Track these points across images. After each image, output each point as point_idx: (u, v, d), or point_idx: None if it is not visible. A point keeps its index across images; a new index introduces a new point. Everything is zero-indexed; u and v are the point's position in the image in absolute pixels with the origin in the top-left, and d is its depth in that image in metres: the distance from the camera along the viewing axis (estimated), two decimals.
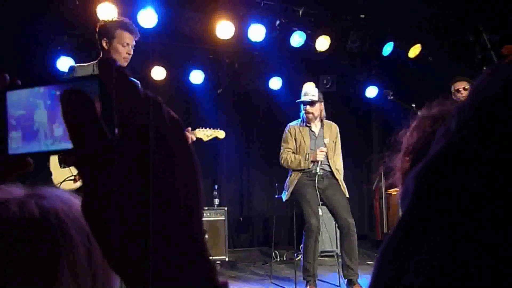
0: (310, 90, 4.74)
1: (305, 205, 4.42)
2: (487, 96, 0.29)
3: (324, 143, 4.57)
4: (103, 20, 3.43)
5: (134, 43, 3.30)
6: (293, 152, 4.66)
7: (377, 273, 0.33)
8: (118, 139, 0.37)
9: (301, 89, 5.08)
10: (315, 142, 4.60)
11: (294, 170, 4.61)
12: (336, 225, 4.60)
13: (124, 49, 3.21)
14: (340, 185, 4.54)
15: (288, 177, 4.70)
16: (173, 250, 0.36)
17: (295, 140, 4.68)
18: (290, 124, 4.82)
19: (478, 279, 0.26)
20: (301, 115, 4.77)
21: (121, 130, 0.37)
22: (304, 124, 4.70)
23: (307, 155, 4.53)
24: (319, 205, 4.52)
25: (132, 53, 3.27)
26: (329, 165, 4.58)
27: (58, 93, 0.42)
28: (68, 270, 0.54)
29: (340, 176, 4.61)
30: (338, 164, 4.66)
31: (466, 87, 4.70)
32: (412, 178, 0.31)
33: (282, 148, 4.73)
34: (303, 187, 4.49)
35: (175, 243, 0.36)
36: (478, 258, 0.26)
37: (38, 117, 0.43)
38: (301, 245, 4.54)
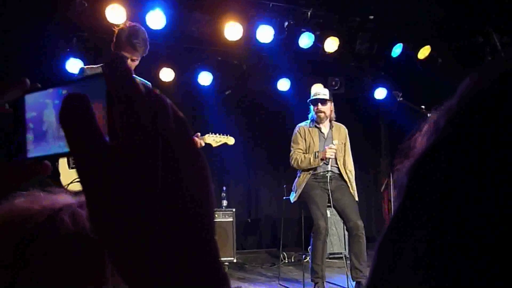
0: (320, 90, 4.72)
1: (313, 206, 4.41)
2: (473, 94, 0.31)
3: (333, 144, 4.56)
4: (121, 26, 3.34)
5: (139, 58, 3.22)
6: (303, 153, 4.65)
7: (376, 263, 0.34)
8: (119, 142, 0.36)
9: (310, 91, 5.07)
10: (325, 143, 4.59)
11: (303, 171, 4.59)
12: (345, 227, 4.58)
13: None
14: (349, 186, 4.52)
15: (297, 178, 4.68)
16: (185, 256, 0.35)
17: (305, 140, 4.67)
18: (299, 124, 4.80)
19: (466, 265, 0.27)
20: (310, 116, 4.76)
21: (122, 132, 0.36)
22: (314, 125, 4.69)
23: (316, 153, 4.51)
24: (328, 207, 4.51)
25: (132, 68, 3.19)
26: (338, 167, 4.56)
27: (64, 92, 0.42)
28: (111, 282, 0.55)
29: (351, 177, 4.59)
30: (349, 166, 4.64)
31: None
32: (405, 173, 0.33)
33: (292, 149, 4.71)
34: (312, 189, 4.48)
35: (188, 249, 0.36)
36: (466, 246, 0.27)
37: (47, 117, 0.43)
38: (309, 247, 4.53)
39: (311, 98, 4.67)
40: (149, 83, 3.31)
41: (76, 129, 0.36)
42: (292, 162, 4.65)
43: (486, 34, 5.81)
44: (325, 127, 4.69)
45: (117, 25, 3.32)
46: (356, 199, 4.54)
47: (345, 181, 4.54)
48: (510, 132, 0.27)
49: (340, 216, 4.55)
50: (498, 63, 0.31)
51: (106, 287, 0.54)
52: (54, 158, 0.43)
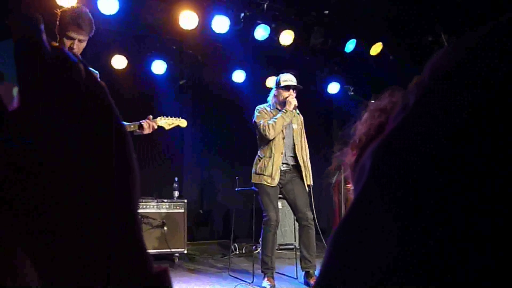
0: (293, 78, 4.65)
1: (265, 198, 4.46)
2: (443, 70, 0.30)
3: (293, 128, 4.58)
4: (63, 8, 3.28)
5: (86, 38, 3.14)
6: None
7: (331, 254, 0.32)
8: (19, 110, 0.32)
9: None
10: (286, 127, 4.58)
11: (264, 157, 4.54)
12: (295, 218, 4.65)
13: (67, 42, 3.08)
14: (304, 176, 4.55)
15: (261, 162, 4.59)
16: (105, 237, 0.32)
17: (268, 116, 4.60)
18: (259, 106, 4.72)
19: (436, 254, 0.26)
20: (269, 100, 4.71)
21: (21, 98, 0.32)
22: (275, 107, 4.64)
23: (283, 111, 4.47)
24: (280, 198, 4.57)
25: (76, 50, 3.10)
26: (294, 156, 4.58)
27: None
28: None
29: (307, 162, 4.62)
30: (306, 150, 4.66)
31: None
32: (368, 155, 0.31)
33: (258, 124, 4.55)
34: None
35: (108, 229, 0.33)
36: (429, 229, 0.26)
37: None
38: (260, 238, 4.56)
39: (284, 84, 4.57)
40: (97, 72, 3.23)
41: None
42: (266, 130, 4.47)
43: (435, 33, 6.02)
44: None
45: (60, 7, 3.22)
46: (311, 183, 4.59)
47: (300, 170, 4.56)
48: (487, 103, 0.26)
49: (291, 207, 4.63)
50: (467, 38, 0.30)
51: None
52: None
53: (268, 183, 4.48)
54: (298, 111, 4.61)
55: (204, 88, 7.31)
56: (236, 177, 5.72)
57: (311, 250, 4.41)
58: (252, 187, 4.74)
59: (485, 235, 0.25)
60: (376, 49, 6.58)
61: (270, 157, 4.52)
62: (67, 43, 3.08)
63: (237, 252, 6.36)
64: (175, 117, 3.96)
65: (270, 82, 7.17)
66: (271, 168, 4.49)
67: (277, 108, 4.63)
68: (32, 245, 0.32)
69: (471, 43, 0.29)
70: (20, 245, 0.32)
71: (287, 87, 4.58)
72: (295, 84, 4.61)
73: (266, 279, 4.38)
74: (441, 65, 0.30)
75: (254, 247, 5.53)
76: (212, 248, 6.78)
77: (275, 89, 4.68)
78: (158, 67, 6.45)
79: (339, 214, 7.42)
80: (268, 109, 4.67)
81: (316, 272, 4.41)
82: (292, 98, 4.51)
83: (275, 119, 4.48)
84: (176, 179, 6.53)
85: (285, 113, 4.47)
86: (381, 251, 0.28)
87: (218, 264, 5.64)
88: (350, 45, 6.53)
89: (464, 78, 0.28)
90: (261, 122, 4.57)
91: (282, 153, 4.53)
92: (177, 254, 5.63)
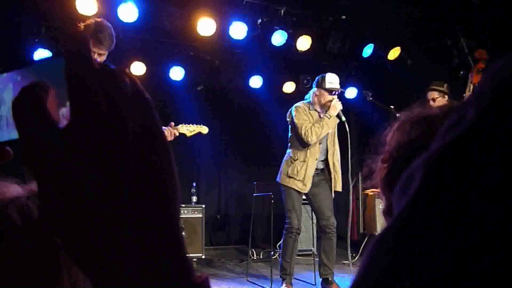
0: (338, 80, 4.47)
1: (290, 202, 4.36)
2: (508, 83, 0.28)
3: (328, 132, 4.41)
4: (86, 21, 3.32)
5: (105, 52, 3.20)
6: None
7: (370, 262, 0.31)
8: (68, 125, 0.33)
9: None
10: None
11: (297, 160, 4.36)
12: (313, 224, 4.58)
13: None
14: (332, 182, 4.44)
15: (292, 164, 4.39)
16: (148, 246, 0.33)
17: (308, 118, 4.43)
18: (297, 104, 4.53)
19: (487, 270, 0.25)
20: (307, 97, 4.54)
21: (72, 113, 0.33)
22: (313, 108, 4.46)
23: (325, 115, 4.31)
24: (303, 203, 4.50)
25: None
26: (325, 160, 4.47)
27: (19, 78, 0.40)
28: (68, 277, 0.52)
29: (338, 167, 4.50)
30: (338, 155, 4.54)
31: (435, 97, 4.73)
32: (419, 166, 0.30)
33: (298, 124, 4.36)
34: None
35: (151, 238, 0.34)
36: (489, 248, 0.25)
37: (7, 101, 0.41)
38: (280, 243, 4.54)
39: (330, 86, 4.39)
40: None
41: (24, 118, 0.34)
42: (308, 136, 4.27)
43: (454, 37, 5.96)
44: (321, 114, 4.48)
45: (83, 21, 3.29)
46: (340, 189, 4.51)
47: (328, 174, 4.46)
48: None
49: (314, 212, 4.51)
50: None
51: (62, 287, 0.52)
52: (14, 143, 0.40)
53: (299, 188, 4.32)
54: (344, 118, 4.40)
55: (221, 94, 7.35)
56: (254, 182, 5.72)
57: (331, 257, 4.36)
58: (269, 193, 4.73)
59: None
60: (394, 53, 6.53)
61: (304, 161, 4.35)
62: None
63: (255, 258, 6.35)
64: (195, 123, 3.99)
65: (287, 87, 7.18)
66: (303, 173, 4.32)
67: (315, 110, 4.45)
68: (80, 253, 0.34)
69: None
70: (70, 255, 0.34)
71: (331, 90, 4.39)
72: (339, 88, 4.44)
73: (284, 285, 4.36)
74: (506, 75, 0.28)
75: (272, 252, 5.52)
76: (230, 253, 6.78)
77: (316, 88, 4.46)
78: (176, 73, 6.50)
79: (356, 221, 7.37)
80: (307, 108, 4.46)
81: (335, 279, 4.38)
82: (337, 103, 4.32)
83: (319, 125, 4.27)
84: (194, 184, 6.57)
85: (328, 118, 4.29)
86: (433, 262, 0.27)
87: (236, 269, 5.64)
88: (368, 50, 6.50)
89: None
90: (299, 124, 4.33)
91: (316, 159, 4.38)
92: (195, 259, 5.64)
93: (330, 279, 4.36)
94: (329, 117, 4.30)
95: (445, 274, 0.26)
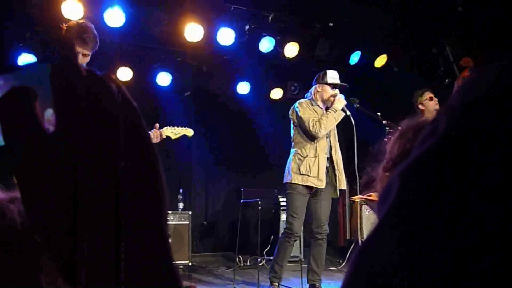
0: (338, 76, 4.48)
1: (297, 204, 4.28)
2: (476, 96, 0.29)
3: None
4: (68, 23, 3.33)
5: (90, 52, 3.19)
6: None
7: (355, 268, 0.32)
8: (55, 130, 0.33)
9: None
10: None
11: (307, 157, 4.27)
12: (311, 228, 4.44)
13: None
14: (336, 181, 4.38)
15: (302, 161, 4.30)
16: (135, 252, 0.33)
17: (312, 112, 4.37)
18: (300, 100, 4.50)
19: (462, 274, 0.26)
20: (309, 96, 4.50)
21: (61, 119, 0.33)
22: (316, 104, 4.43)
23: (330, 108, 4.26)
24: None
25: (84, 64, 3.16)
26: (330, 158, 4.41)
27: (1, 82, 0.40)
28: (46, 278, 0.52)
29: (341, 167, 4.44)
30: (339, 153, 4.50)
31: (432, 96, 4.82)
32: (396, 176, 0.31)
33: (304, 118, 4.28)
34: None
35: (138, 244, 0.33)
36: (460, 252, 0.26)
37: None
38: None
39: (332, 81, 4.39)
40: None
41: (9, 122, 0.33)
42: (315, 128, 4.20)
43: (440, 45, 6.03)
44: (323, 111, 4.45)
45: (67, 21, 3.28)
46: (345, 187, 4.48)
47: (334, 171, 4.40)
48: None
49: (310, 214, 4.42)
50: (500, 64, 0.31)
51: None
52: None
53: (315, 184, 4.24)
54: (349, 112, 4.37)
55: (209, 100, 7.33)
56: (241, 189, 5.71)
57: (321, 263, 4.35)
58: (257, 199, 4.71)
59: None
60: (380, 61, 6.59)
61: (315, 156, 4.27)
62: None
63: (242, 264, 6.33)
64: (181, 126, 3.98)
65: (275, 93, 7.19)
66: (317, 168, 4.24)
67: (318, 106, 4.41)
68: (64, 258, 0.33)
69: (503, 69, 0.29)
70: (53, 260, 0.33)
71: (334, 85, 4.38)
72: (340, 83, 4.43)
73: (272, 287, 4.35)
74: (472, 90, 0.30)
75: (259, 259, 5.50)
76: (217, 260, 6.75)
77: (318, 84, 4.44)
78: (163, 79, 6.48)
79: (343, 227, 7.38)
80: (310, 105, 4.42)
81: (322, 286, 4.38)
82: (341, 97, 4.30)
83: (326, 117, 4.22)
84: (180, 190, 6.54)
85: (334, 112, 4.25)
86: (406, 268, 0.28)
87: (223, 276, 5.62)
88: (355, 57, 6.54)
89: (497, 105, 0.28)
90: (310, 118, 4.27)
91: (326, 153, 4.34)
92: (181, 266, 5.60)
93: (317, 285, 4.36)
94: (334, 110, 4.26)
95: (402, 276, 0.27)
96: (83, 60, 3.14)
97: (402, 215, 0.30)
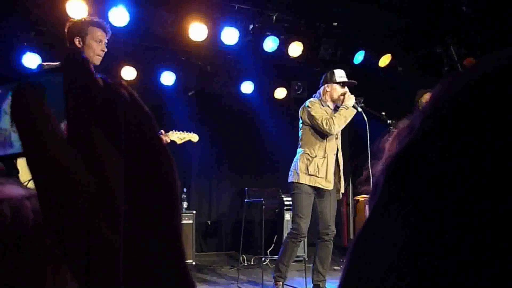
0: (345, 75, 4.47)
1: (304, 204, 4.25)
2: (445, 99, 0.32)
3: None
4: (73, 19, 3.35)
5: (106, 41, 3.23)
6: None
7: (350, 266, 0.33)
8: (74, 136, 0.34)
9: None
10: None
11: (316, 157, 4.24)
12: (317, 229, 4.42)
13: (98, 46, 3.15)
14: (339, 183, 4.39)
15: (309, 161, 4.27)
16: (151, 254, 0.34)
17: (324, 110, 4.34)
18: (310, 100, 4.46)
19: (443, 270, 0.27)
20: (317, 96, 4.48)
21: (75, 124, 0.34)
22: (326, 105, 4.40)
23: (339, 108, 4.23)
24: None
25: (105, 50, 3.20)
26: (336, 159, 4.39)
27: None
28: (53, 277, 0.52)
29: (342, 167, 4.44)
30: (341, 154, 4.48)
31: None
32: (381, 172, 0.33)
33: (315, 116, 4.25)
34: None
35: (154, 246, 0.34)
36: (444, 248, 0.27)
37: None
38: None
39: (341, 79, 4.38)
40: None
41: (28, 124, 0.33)
42: (329, 125, 4.17)
43: (444, 45, 6.01)
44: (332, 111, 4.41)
45: (71, 21, 3.29)
46: (343, 190, 4.46)
47: (338, 173, 4.39)
48: (477, 132, 0.28)
49: (316, 216, 4.39)
50: (470, 71, 0.32)
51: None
52: (9, 158, 0.39)
53: (323, 185, 4.22)
54: (360, 108, 4.32)
55: (212, 99, 7.34)
56: (245, 188, 5.71)
57: (326, 264, 4.34)
58: (261, 199, 4.71)
59: (490, 259, 0.25)
60: (384, 60, 6.58)
61: (324, 157, 4.25)
62: (97, 47, 3.15)
63: (246, 264, 6.33)
64: (183, 130, 3.99)
65: (279, 93, 7.19)
66: (325, 169, 4.22)
67: (328, 106, 4.38)
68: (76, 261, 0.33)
69: (475, 76, 0.31)
70: (66, 263, 0.34)
71: (343, 83, 4.36)
72: (349, 81, 4.41)
73: (276, 287, 4.34)
74: (442, 95, 0.33)
75: (263, 258, 5.50)
76: (220, 260, 6.75)
77: (327, 84, 4.41)
78: (167, 78, 6.49)
79: (347, 226, 7.38)
80: (319, 103, 4.39)
81: (327, 286, 4.37)
82: (351, 95, 4.27)
83: (339, 114, 4.19)
84: (184, 190, 6.55)
85: (346, 109, 4.22)
86: (390, 262, 0.29)
87: (227, 276, 5.62)
88: (359, 57, 6.53)
89: (464, 112, 0.30)
90: (323, 116, 4.23)
91: (334, 154, 4.32)
92: None
93: (321, 285, 4.35)
94: (346, 108, 4.23)
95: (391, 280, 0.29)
96: (103, 47, 3.18)
97: (387, 210, 0.31)
